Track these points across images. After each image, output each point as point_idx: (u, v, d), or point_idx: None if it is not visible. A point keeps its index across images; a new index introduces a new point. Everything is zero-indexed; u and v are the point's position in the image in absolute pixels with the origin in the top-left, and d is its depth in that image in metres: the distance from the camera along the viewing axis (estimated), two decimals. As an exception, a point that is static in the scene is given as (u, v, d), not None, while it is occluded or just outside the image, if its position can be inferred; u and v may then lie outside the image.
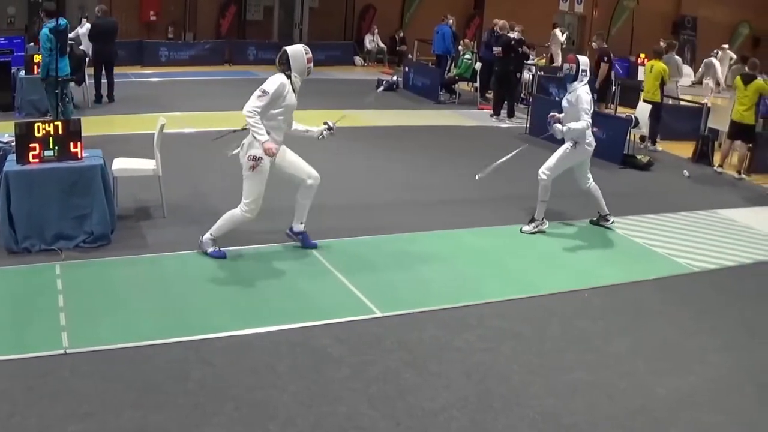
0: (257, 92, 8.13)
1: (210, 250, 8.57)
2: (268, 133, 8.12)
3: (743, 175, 15.44)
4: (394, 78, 24.16)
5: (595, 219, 11.05)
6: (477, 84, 22.41)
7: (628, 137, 15.71)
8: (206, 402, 5.70)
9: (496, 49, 19.30)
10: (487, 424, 5.75)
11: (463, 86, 23.03)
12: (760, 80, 15.37)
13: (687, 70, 32.53)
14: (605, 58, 18.45)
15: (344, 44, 29.58)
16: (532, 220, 10.51)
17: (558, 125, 10.22)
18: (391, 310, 7.52)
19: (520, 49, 19.36)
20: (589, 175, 10.72)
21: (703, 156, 16.66)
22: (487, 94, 21.80)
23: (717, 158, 16.30)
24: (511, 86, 19.87)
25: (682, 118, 18.98)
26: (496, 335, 7.25)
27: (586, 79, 10.31)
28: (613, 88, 20.14)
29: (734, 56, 28.22)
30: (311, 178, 8.74)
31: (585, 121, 9.99)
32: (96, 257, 8.21)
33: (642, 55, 26.81)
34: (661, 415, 6.18)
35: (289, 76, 8.35)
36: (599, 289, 8.67)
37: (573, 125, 10.05)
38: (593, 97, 10.59)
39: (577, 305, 8.20)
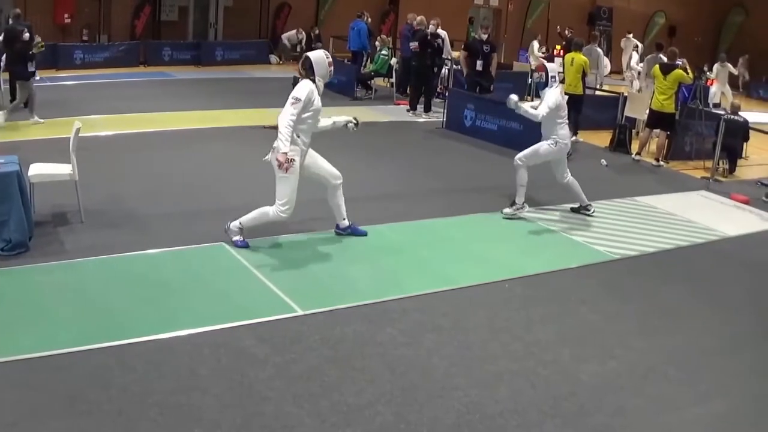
0: (290, 100, 8.49)
1: (236, 238, 8.86)
2: (294, 142, 8.53)
3: (661, 163, 15.72)
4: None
5: (576, 207, 11.48)
6: (393, 80, 22.47)
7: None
8: (130, 408, 5.62)
9: (413, 44, 19.36)
10: (412, 417, 5.76)
11: (379, 82, 23.07)
12: (679, 69, 15.61)
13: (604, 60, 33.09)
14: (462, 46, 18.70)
15: (259, 43, 29.41)
16: (513, 203, 10.94)
17: (514, 96, 10.62)
18: (313, 307, 7.50)
19: (436, 42, 19.43)
20: (568, 170, 11.17)
21: (620, 144, 16.92)
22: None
23: (635, 146, 16.56)
24: (428, 81, 19.94)
25: (598, 108, 19.23)
26: (418, 329, 7.27)
27: (556, 84, 10.91)
28: (530, 80, 20.34)
29: (638, 44, 28.89)
30: (335, 178, 9.34)
31: (540, 111, 10.57)
32: (14, 265, 8.03)
33: (557, 47, 27.07)
34: (586, 400, 6.26)
35: (314, 81, 8.70)
36: (520, 279, 8.75)
37: (525, 106, 10.70)
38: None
39: (498, 296, 8.26)
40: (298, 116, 8.47)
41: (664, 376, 6.79)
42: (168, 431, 5.40)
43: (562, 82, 11.36)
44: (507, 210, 10.93)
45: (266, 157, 8.81)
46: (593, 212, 11.38)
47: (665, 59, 17.99)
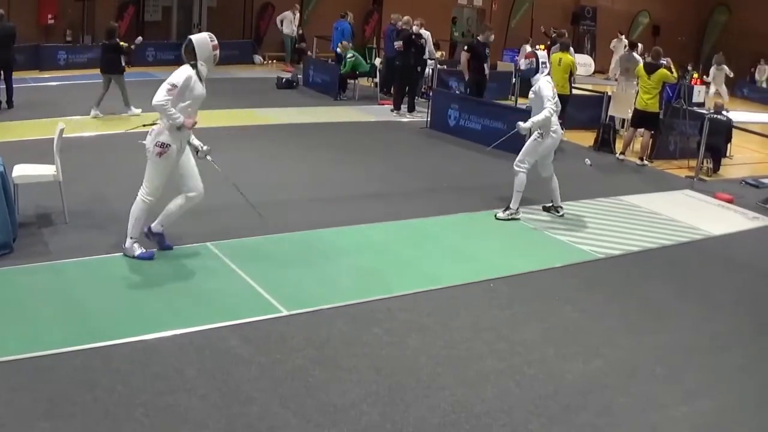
0: (166, 85, 8.04)
1: (137, 253, 8.47)
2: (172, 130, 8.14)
3: (646, 162, 15.77)
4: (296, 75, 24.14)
5: (547, 206, 11.45)
6: (377, 79, 22.48)
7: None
8: (116, 409, 5.59)
9: (397, 43, 19.38)
10: (398, 417, 5.76)
11: (363, 82, 23.07)
12: (663, 69, 15.65)
13: (586, 59, 33.19)
14: (465, 47, 18.60)
15: (243, 43, 29.33)
16: (507, 207, 10.89)
17: (521, 123, 10.60)
18: (298, 307, 7.49)
19: (419, 42, 19.45)
20: (551, 166, 11.17)
21: (604, 144, 16.96)
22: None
23: (619, 146, 16.60)
24: (412, 80, 19.96)
25: (582, 107, 19.28)
26: (404, 328, 7.27)
27: (546, 71, 10.87)
28: (513, 79, 20.41)
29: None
30: (196, 192, 8.55)
31: (548, 109, 10.47)
32: (-2, 267, 8.03)
33: (542, 47, 27.14)
34: (572, 399, 6.28)
35: (195, 66, 8.25)
36: (506, 278, 8.76)
37: (536, 118, 10.53)
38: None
39: (484, 295, 8.27)
40: (172, 102, 8.06)
41: (649, 375, 6.81)
42: (153, 432, 5.39)
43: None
44: (500, 214, 10.89)
45: (145, 141, 8.38)
46: (562, 215, 11.29)
47: (638, 57, 18.11)
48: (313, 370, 6.35)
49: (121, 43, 17.37)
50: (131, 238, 8.48)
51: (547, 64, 11.02)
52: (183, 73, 8.15)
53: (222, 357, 6.46)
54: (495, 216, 10.87)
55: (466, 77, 18.21)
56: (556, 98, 10.83)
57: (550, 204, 11.40)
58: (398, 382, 6.29)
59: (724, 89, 26.14)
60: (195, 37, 8.35)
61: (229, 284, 8.02)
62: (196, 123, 8.31)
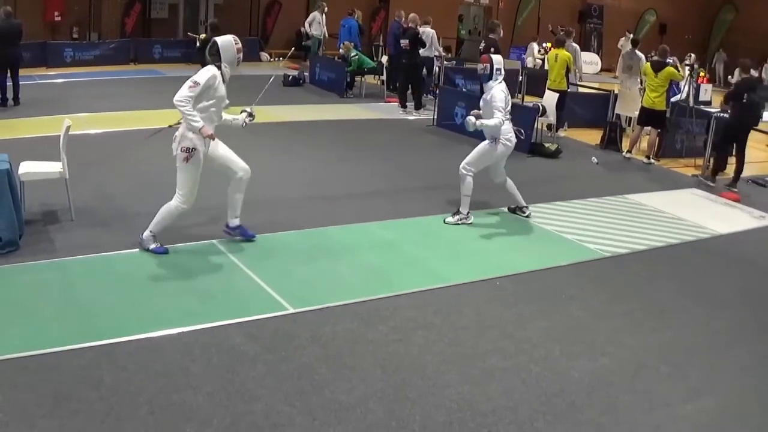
0: (188, 83, 8.15)
1: (152, 246, 8.57)
2: (195, 131, 8.22)
3: (652, 160, 15.74)
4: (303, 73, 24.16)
5: (512, 207, 11.20)
6: (384, 77, 22.49)
7: (535, 126, 15.88)
8: (120, 407, 5.60)
9: (404, 41, 19.37)
10: (404, 415, 5.76)
11: (369, 80, 23.08)
12: (670, 67, 15.62)
13: (593, 57, 33.15)
14: (491, 49, 18.56)
15: (250, 40, 29.27)
16: (457, 212, 10.60)
17: (471, 118, 10.29)
18: (303, 305, 7.49)
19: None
20: (504, 172, 10.84)
21: (611, 142, 16.95)
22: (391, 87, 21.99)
23: (625, 144, 16.58)
24: (419, 78, 19.96)
25: (588, 106, 19.27)
26: (409, 326, 7.28)
27: (500, 78, 10.42)
28: (520, 77, 20.39)
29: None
30: (242, 171, 8.80)
31: (497, 118, 10.13)
32: (4, 264, 7.99)
33: (548, 45, 27.14)
34: (577, 397, 6.27)
35: (219, 67, 8.39)
36: (511, 276, 8.76)
37: (485, 122, 10.22)
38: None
39: (489, 293, 8.27)
40: (194, 100, 8.18)
41: (654, 373, 6.80)
42: (159, 430, 5.38)
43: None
44: (449, 219, 10.57)
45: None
46: (529, 215, 11.04)
47: (640, 55, 18.09)
48: (318, 368, 6.35)
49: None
50: (150, 231, 8.59)
51: (502, 71, 10.50)
52: (208, 72, 8.29)
53: (227, 355, 6.47)
54: (444, 221, 10.55)
55: None
56: (509, 107, 10.45)
57: (515, 206, 11.14)
58: (404, 379, 6.29)
59: None
60: (220, 39, 8.50)
61: (235, 282, 8.03)
62: (213, 137, 8.38)
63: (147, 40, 27.24)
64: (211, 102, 8.36)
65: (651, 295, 8.63)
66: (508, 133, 10.45)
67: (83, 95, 18.88)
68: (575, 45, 20.54)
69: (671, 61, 16.33)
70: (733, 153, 14.82)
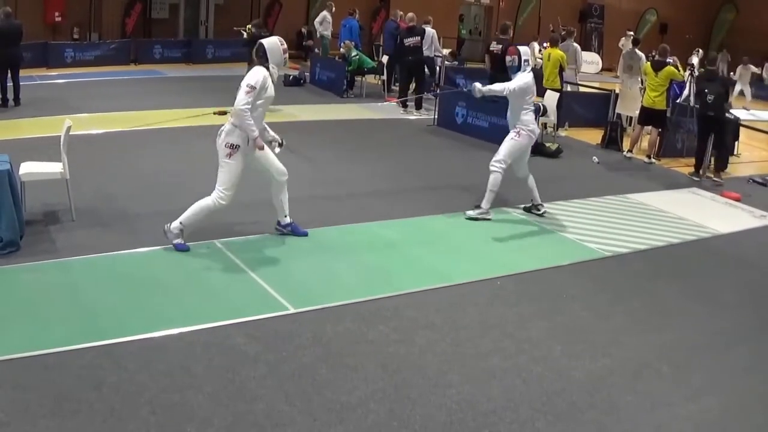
0: (244, 87, 8.40)
1: (176, 241, 8.63)
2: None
3: (653, 160, 15.76)
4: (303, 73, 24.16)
5: (528, 206, 11.30)
6: (384, 77, 22.50)
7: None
8: (122, 407, 5.59)
9: (413, 39, 19.36)
10: (405, 415, 5.76)
11: (370, 79, 23.08)
12: (670, 66, 15.63)
13: (594, 57, 33.13)
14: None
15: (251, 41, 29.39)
16: (478, 206, 10.75)
17: (478, 84, 10.61)
18: (304, 305, 7.49)
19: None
20: (527, 167, 11.04)
21: (612, 142, 16.96)
22: (393, 86, 21.99)
23: (626, 143, 16.59)
24: (422, 77, 20.00)
25: (589, 105, 19.28)
26: (410, 326, 7.27)
27: (528, 68, 10.66)
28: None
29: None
30: (278, 174, 9.04)
31: (504, 86, 10.41)
32: (5, 264, 7.99)
33: (547, 45, 27.17)
34: (578, 397, 6.26)
35: (267, 68, 8.59)
36: (512, 276, 8.75)
37: (492, 87, 10.59)
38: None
39: (490, 293, 8.26)
40: (252, 104, 8.41)
41: (655, 373, 6.80)
42: (160, 430, 5.38)
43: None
44: (471, 212, 10.75)
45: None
46: (543, 213, 11.14)
47: (641, 54, 18.10)
48: (319, 368, 6.35)
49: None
50: (181, 223, 8.64)
51: (530, 62, 10.80)
52: (260, 73, 8.52)
53: (229, 355, 6.47)
54: (465, 215, 10.74)
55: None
56: (531, 98, 10.69)
57: (530, 204, 11.24)
58: (405, 379, 6.28)
59: (748, 89, 26.10)
60: (266, 42, 8.74)
61: (236, 282, 8.02)
62: (263, 147, 8.59)
63: (147, 41, 27.27)
64: (261, 101, 8.57)
65: (652, 295, 8.63)
66: (531, 123, 10.70)
67: (84, 95, 18.88)
68: (576, 45, 20.56)
69: (671, 60, 16.31)
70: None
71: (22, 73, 17.58)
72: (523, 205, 11.39)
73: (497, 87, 10.51)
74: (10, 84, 16.98)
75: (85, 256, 8.35)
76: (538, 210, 11.17)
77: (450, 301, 7.96)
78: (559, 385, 6.43)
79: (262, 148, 8.57)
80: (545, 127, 16.90)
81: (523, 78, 10.48)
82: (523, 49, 10.76)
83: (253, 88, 8.37)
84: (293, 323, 7.13)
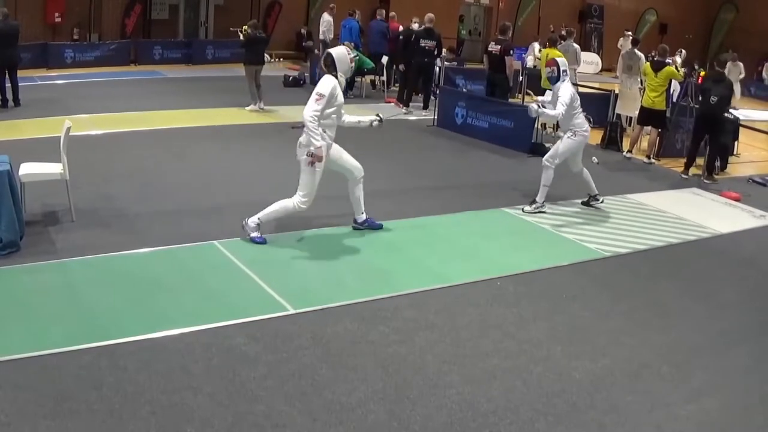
0: (314, 96, 8.73)
1: (254, 234, 9.01)
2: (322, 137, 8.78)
3: (653, 160, 15.76)
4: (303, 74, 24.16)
5: (585, 200, 11.89)
6: (384, 77, 22.51)
7: (536, 126, 15.88)
8: (122, 407, 5.59)
9: (430, 43, 19.38)
10: (405, 416, 5.75)
11: (369, 81, 23.08)
12: (670, 67, 15.62)
13: (593, 57, 33.12)
14: (510, 52, 18.53)
15: (251, 42, 29.40)
16: (534, 201, 11.27)
17: (534, 105, 11.22)
18: (305, 306, 7.48)
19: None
20: (580, 162, 11.63)
21: (611, 142, 16.95)
22: (393, 86, 22.03)
23: (626, 144, 16.58)
24: (431, 78, 20.06)
25: (589, 105, 19.22)
26: (410, 326, 7.26)
27: (567, 78, 11.27)
28: (521, 78, 20.40)
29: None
30: (357, 171, 9.62)
31: (559, 111, 10.97)
32: (5, 265, 7.98)
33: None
34: (578, 397, 6.26)
35: (336, 77, 8.92)
36: (512, 276, 8.75)
37: (546, 111, 11.13)
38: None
39: (490, 293, 8.26)
40: (322, 112, 8.65)
41: (656, 373, 6.80)
42: (160, 430, 5.37)
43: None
44: (527, 208, 11.23)
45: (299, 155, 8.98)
46: (602, 201, 11.82)
47: (640, 54, 18.10)
48: (319, 369, 6.34)
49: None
50: (259, 218, 8.99)
51: (567, 72, 11.39)
52: (330, 82, 8.87)
53: (228, 355, 6.46)
54: (522, 209, 11.20)
55: (511, 82, 18.24)
56: (577, 103, 11.23)
57: (587, 197, 11.86)
58: (405, 380, 6.28)
59: (738, 88, 26.04)
60: (334, 51, 9.13)
61: (236, 282, 8.02)
62: (322, 159, 8.81)
63: (147, 41, 27.27)
64: (333, 109, 8.93)
65: (652, 295, 8.62)
66: (584, 125, 11.31)
67: (84, 96, 18.88)
68: (576, 45, 20.55)
69: (671, 61, 16.32)
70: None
71: (22, 73, 17.60)
72: (581, 200, 11.90)
73: (551, 113, 11.15)
74: (8, 85, 16.97)
75: (85, 257, 8.34)
76: (597, 200, 11.81)
77: (450, 301, 7.96)
78: (559, 385, 6.43)
79: (320, 160, 8.76)
80: (544, 128, 16.93)
81: (566, 91, 11.00)
82: (561, 60, 11.36)
83: (322, 96, 8.65)
84: (293, 324, 7.13)
